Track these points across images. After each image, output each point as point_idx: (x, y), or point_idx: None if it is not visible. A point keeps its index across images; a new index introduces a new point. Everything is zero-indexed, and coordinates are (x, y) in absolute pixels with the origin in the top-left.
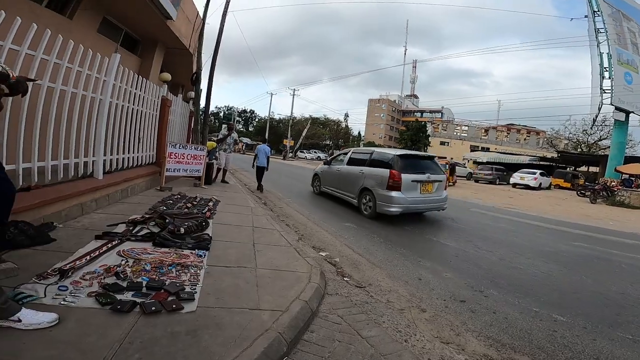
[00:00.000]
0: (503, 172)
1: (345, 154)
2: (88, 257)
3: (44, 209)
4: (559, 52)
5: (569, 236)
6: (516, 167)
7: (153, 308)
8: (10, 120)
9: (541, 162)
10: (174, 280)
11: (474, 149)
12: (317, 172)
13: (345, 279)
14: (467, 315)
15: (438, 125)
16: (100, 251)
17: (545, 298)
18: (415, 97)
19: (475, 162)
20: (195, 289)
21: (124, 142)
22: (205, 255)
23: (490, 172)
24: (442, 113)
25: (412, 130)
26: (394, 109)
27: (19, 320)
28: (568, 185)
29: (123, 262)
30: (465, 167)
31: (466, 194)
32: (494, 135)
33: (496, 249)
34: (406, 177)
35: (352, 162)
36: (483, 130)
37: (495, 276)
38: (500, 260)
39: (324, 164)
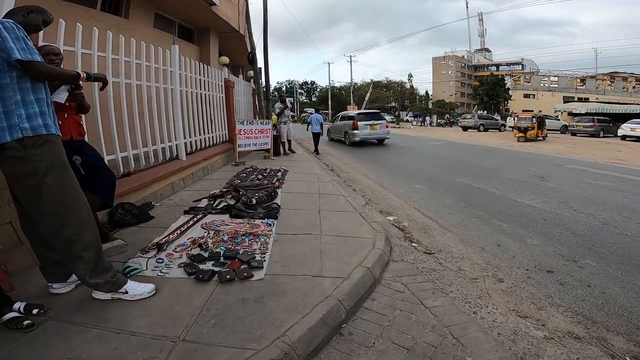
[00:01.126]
0: (608, 123)
1: (338, 116)
2: (178, 231)
3: (143, 190)
4: None
5: None
6: (625, 117)
7: (228, 277)
8: (102, 118)
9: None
10: (246, 249)
11: (567, 100)
12: (328, 128)
13: (413, 244)
14: (553, 287)
15: (519, 77)
16: (188, 225)
17: None
18: (488, 50)
19: (570, 114)
20: (264, 257)
21: (199, 125)
22: (274, 224)
23: (591, 123)
24: (522, 65)
25: (487, 84)
26: (463, 64)
27: (126, 292)
28: None
29: (205, 234)
30: (559, 120)
31: (559, 148)
32: (592, 84)
33: (598, 212)
34: (361, 123)
35: (341, 119)
36: (579, 80)
37: (594, 244)
38: (604, 225)
39: (331, 121)
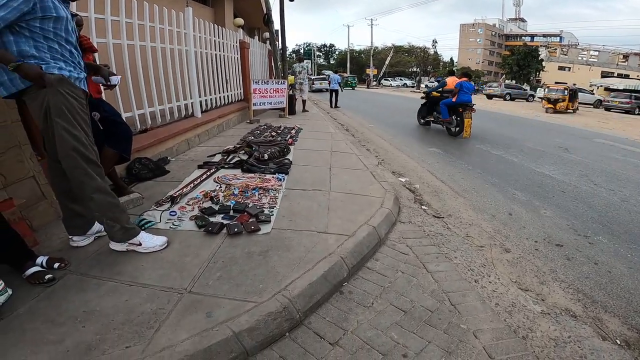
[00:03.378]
0: None
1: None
2: (192, 185)
3: (159, 146)
4: None
5: None
6: None
7: (235, 230)
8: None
9: None
10: (255, 203)
11: (606, 75)
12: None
13: (423, 207)
14: (560, 262)
15: (555, 49)
16: (201, 179)
17: None
18: (523, 20)
19: (607, 89)
20: (272, 211)
21: (214, 84)
22: (284, 179)
23: (627, 100)
24: (561, 37)
25: (519, 54)
26: (494, 33)
27: (140, 244)
28: None
29: (217, 188)
30: (593, 94)
31: (590, 122)
32: (636, 62)
33: (620, 188)
34: None
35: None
36: (621, 56)
37: (610, 220)
38: (623, 201)
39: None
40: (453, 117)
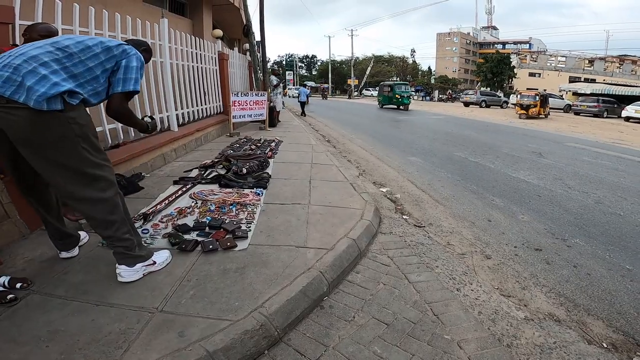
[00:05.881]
0: (613, 104)
1: None
2: (166, 201)
3: (133, 161)
4: None
5: None
6: (631, 99)
7: (211, 247)
8: None
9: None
10: (232, 219)
11: (574, 80)
12: None
13: (404, 217)
14: (540, 266)
15: (525, 56)
16: (176, 195)
17: None
18: (494, 28)
19: (575, 94)
20: (250, 227)
21: (192, 97)
22: (262, 194)
23: (595, 104)
24: (530, 44)
25: (492, 62)
26: (468, 41)
27: (154, 263)
28: None
29: (193, 204)
30: (563, 99)
31: (561, 126)
32: (601, 66)
33: (593, 190)
34: None
35: None
36: (587, 61)
37: (586, 223)
38: (597, 204)
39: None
40: None
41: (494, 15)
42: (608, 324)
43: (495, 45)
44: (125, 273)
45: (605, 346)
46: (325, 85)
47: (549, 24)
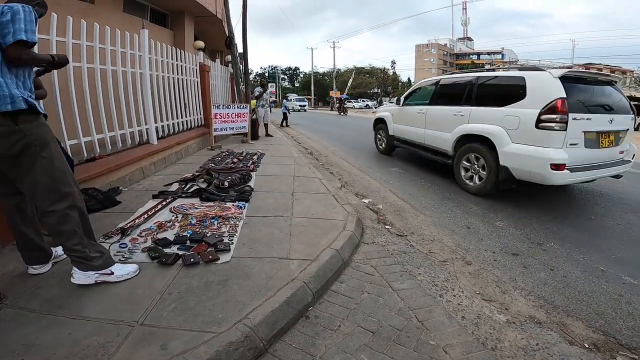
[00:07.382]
0: None
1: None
2: (145, 216)
3: (110, 175)
4: None
5: None
6: None
7: (192, 260)
8: (62, 101)
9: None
10: (214, 232)
11: None
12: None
13: (386, 226)
14: (518, 270)
15: (499, 66)
16: (156, 209)
17: (618, 255)
18: (470, 39)
19: None
20: (232, 239)
21: (172, 109)
22: (245, 207)
23: None
24: (502, 54)
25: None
26: (445, 52)
27: (112, 273)
28: None
29: (173, 218)
30: None
31: None
32: None
33: (565, 194)
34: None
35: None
36: None
37: (560, 226)
38: (569, 206)
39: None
40: None
41: (469, 26)
42: (588, 325)
43: (471, 55)
44: (77, 275)
45: (587, 346)
46: (344, 96)
47: (520, 34)
